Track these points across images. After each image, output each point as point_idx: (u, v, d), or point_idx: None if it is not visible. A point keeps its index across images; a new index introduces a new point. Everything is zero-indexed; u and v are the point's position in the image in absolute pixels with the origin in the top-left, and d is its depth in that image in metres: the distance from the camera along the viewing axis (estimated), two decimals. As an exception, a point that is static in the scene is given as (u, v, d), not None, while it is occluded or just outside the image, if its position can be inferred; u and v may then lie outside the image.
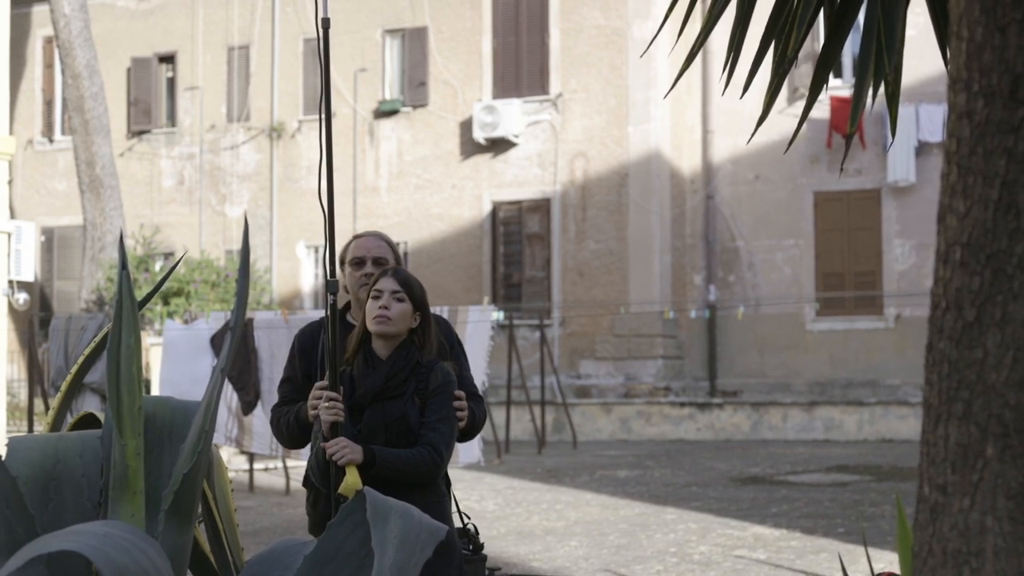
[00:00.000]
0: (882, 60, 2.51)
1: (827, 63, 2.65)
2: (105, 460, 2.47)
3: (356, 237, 4.48)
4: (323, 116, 3.71)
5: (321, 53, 3.70)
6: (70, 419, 3.01)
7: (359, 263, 4.33)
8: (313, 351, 4.26)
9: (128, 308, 2.32)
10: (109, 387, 2.31)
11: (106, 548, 1.99)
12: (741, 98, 3.03)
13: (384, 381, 3.98)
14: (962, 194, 1.70)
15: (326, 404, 3.87)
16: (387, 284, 4.02)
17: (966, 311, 1.70)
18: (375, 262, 4.32)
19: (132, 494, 2.33)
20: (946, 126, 1.77)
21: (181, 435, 2.50)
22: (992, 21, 1.67)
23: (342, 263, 4.38)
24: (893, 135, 2.73)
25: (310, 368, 4.24)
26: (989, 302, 1.68)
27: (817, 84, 2.68)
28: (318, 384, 3.96)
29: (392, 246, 4.48)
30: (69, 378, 3.08)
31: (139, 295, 2.81)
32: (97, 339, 3.00)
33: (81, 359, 3.08)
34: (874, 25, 2.50)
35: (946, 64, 2.10)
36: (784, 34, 2.59)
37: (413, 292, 4.06)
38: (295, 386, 4.26)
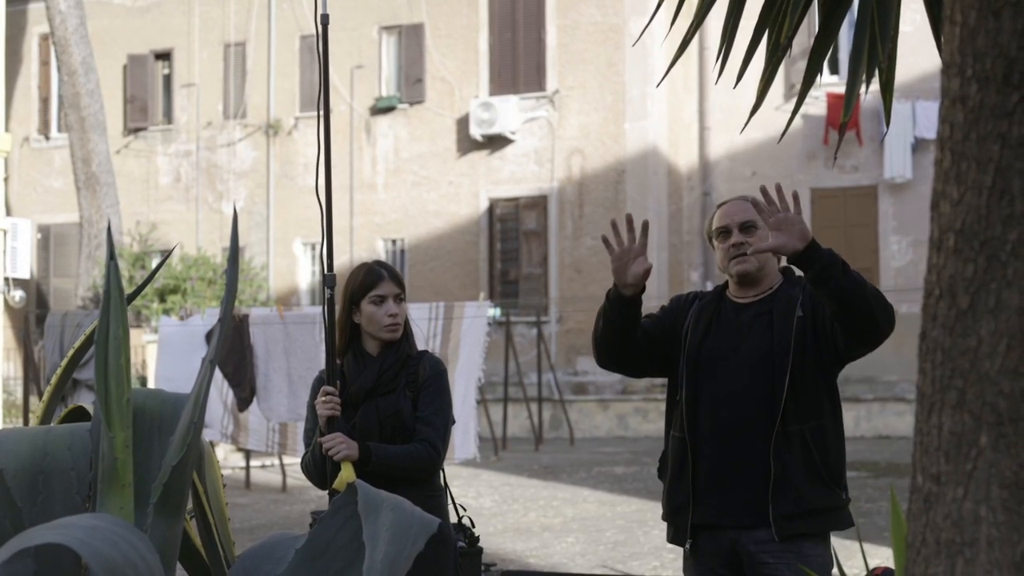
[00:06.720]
0: (875, 49, 2.50)
1: (821, 51, 2.64)
2: (94, 453, 2.45)
3: (720, 205, 3.83)
4: (321, 113, 3.69)
5: (320, 50, 3.68)
6: (60, 413, 2.99)
7: (724, 233, 3.71)
8: None
9: (116, 299, 2.29)
10: (97, 379, 2.29)
11: (94, 541, 1.97)
12: (735, 88, 3.02)
13: (376, 378, 3.97)
14: (955, 180, 1.68)
15: (322, 399, 3.86)
16: (389, 289, 3.99)
17: (959, 298, 1.69)
18: (742, 228, 3.69)
19: (121, 487, 2.31)
20: (940, 112, 1.75)
21: (171, 427, 2.48)
22: (986, 5, 1.65)
23: (710, 239, 3.81)
24: (887, 125, 2.71)
25: None
26: (983, 289, 1.67)
27: (811, 72, 2.66)
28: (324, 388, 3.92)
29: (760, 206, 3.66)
30: (59, 371, 3.05)
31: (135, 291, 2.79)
32: (87, 333, 2.97)
33: (71, 352, 3.05)
34: (868, 13, 2.49)
35: (940, 50, 2.09)
36: (777, 23, 2.58)
37: (404, 286, 4.09)
38: None
